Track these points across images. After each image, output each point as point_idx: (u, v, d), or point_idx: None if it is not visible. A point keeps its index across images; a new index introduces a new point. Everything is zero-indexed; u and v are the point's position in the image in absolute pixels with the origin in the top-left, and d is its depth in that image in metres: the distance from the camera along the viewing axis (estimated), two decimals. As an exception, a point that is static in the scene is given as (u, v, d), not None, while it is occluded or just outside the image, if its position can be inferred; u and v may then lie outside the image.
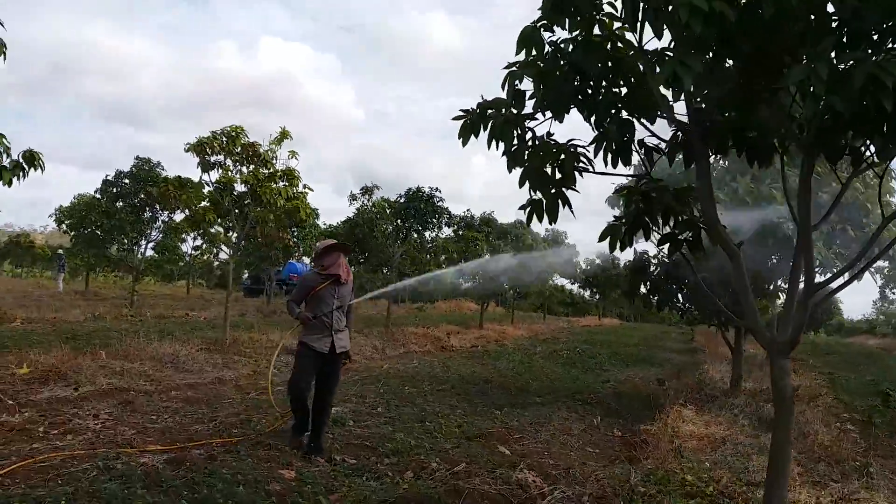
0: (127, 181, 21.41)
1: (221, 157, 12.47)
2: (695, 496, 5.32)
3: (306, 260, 44.30)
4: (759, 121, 3.90)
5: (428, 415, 8.61)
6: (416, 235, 21.01)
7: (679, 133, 4.22)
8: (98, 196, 22.26)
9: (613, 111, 4.05)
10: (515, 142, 3.94)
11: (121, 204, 21.45)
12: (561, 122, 4.02)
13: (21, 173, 7.36)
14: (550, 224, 4.18)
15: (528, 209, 4.18)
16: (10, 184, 7.34)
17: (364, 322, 23.54)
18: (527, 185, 4.09)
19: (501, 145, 3.95)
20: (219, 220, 12.67)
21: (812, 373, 15.98)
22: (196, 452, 6.03)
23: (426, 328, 21.91)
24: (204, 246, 37.60)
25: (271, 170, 12.57)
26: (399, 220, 19.85)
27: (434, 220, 20.26)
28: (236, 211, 12.90)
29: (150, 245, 24.13)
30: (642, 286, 11.04)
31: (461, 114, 4.09)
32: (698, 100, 3.93)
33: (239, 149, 12.39)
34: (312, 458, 6.16)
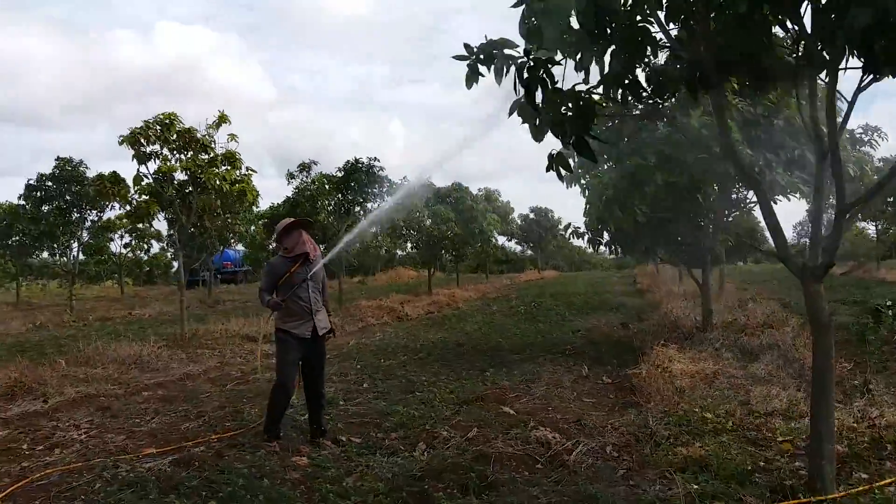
0: (50, 184, 20.32)
1: (157, 147, 11.90)
2: (720, 433, 5.33)
3: (240, 247, 43.35)
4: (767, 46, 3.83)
5: (415, 385, 8.48)
6: (358, 208, 20.67)
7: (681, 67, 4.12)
8: (22, 203, 21.07)
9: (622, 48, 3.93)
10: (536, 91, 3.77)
11: (47, 208, 20.37)
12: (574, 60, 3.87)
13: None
14: (593, 162, 4.03)
15: (552, 165, 4.04)
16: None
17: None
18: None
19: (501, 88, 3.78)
20: (161, 213, 12.04)
21: (770, 300, 16.44)
22: (199, 451, 5.74)
23: (377, 300, 21.75)
24: (133, 243, 36.32)
25: (211, 154, 12.06)
26: (340, 195, 19.46)
27: (375, 191, 19.96)
28: (178, 201, 12.35)
29: (79, 247, 23.02)
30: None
31: (464, 54, 3.90)
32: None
33: (175, 136, 11.85)
34: (320, 441, 5.95)
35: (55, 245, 21.06)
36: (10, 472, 5.51)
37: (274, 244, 6.00)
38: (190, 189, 12.26)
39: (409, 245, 30.79)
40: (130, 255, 38.95)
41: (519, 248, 63.10)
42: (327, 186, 19.03)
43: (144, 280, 51.51)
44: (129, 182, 12.14)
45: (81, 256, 27.18)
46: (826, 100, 3.70)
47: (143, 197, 12.45)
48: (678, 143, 8.41)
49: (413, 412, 6.87)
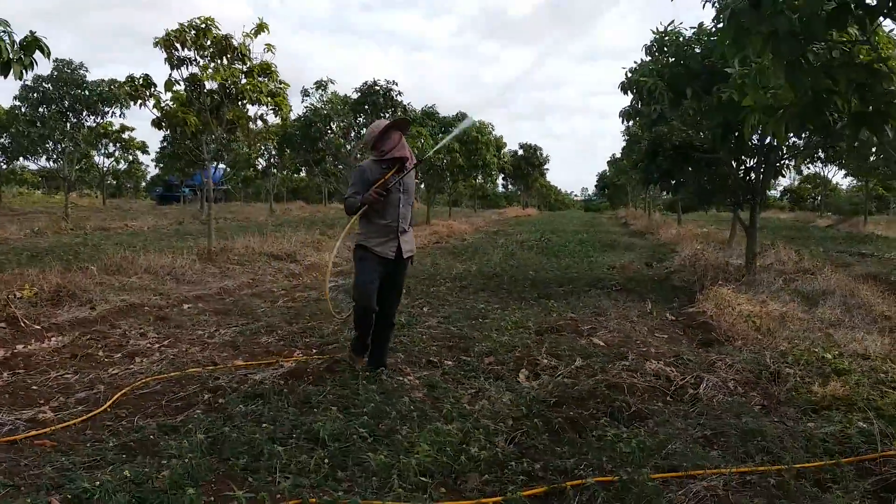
0: (48, 86, 19.39)
1: (191, 53, 11.31)
2: (847, 373, 5.24)
3: (222, 167, 42.30)
4: None
5: (476, 312, 8.33)
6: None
7: None
8: (18, 104, 20.13)
9: None
10: None
11: (44, 111, 19.50)
12: None
13: (32, 63, 6.41)
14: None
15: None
16: (20, 76, 6.38)
17: (316, 225, 22.90)
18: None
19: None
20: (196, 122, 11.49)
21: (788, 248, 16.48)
22: (300, 366, 5.53)
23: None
24: (118, 153, 35.31)
25: (249, 65, 11.51)
26: (354, 117, 18.95)
27: (390, 114, 19.44)
28: (210, 111, 11.79)
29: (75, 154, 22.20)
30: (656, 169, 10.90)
31: None
32: None
33: (210, 42, 11.25)
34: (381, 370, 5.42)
35: (53, 150, 20.24)
36: (102, 379, 5.27)
37: (365, 151, 5.60)
38: (221, 98, 11.71)
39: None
40: (113, 165, 37.90)
41: (504, 183, 62.94)
42: (343, 107, 18.45)
43: (111, 193, 50.43)
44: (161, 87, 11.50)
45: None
46: None
47: (172, 105, 11.88)
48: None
49: (496, 337, 6.72)
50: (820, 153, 13.45)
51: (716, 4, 8.38)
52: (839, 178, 46.86)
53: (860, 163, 24.77)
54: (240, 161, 37.02)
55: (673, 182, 11.07)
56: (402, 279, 5.58)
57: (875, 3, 3.90)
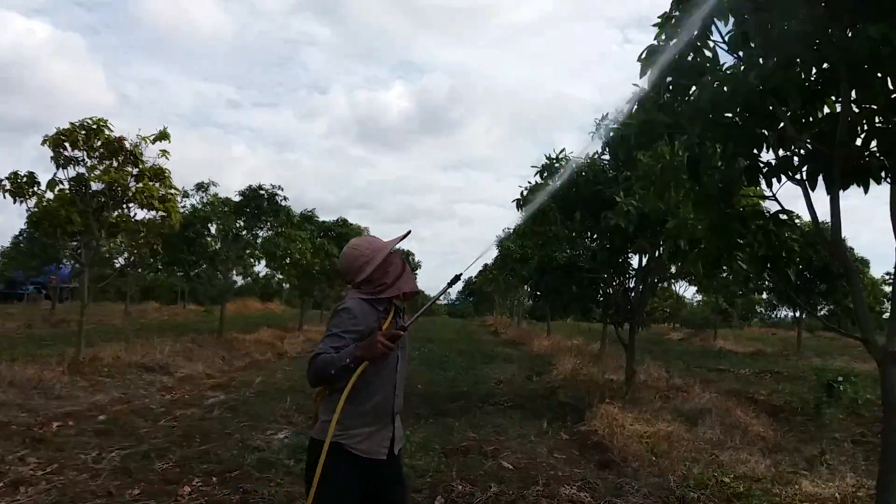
0: None
1: (80, 153, 10.89)
2: (741, 498, 5.50)
3: (70, 264, 39.80)
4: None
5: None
6: (245, 234, 19.85)
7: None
8: None
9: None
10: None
11: None
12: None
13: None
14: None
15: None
16: None
17: (179, 330, 21.88)
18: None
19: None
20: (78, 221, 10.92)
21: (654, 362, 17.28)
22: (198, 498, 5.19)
23: (252, 334, 20.86)
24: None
25: (140, 167, 11.18)
26: (238, 220, 18.65)
27: (272, 219, 19.28)
28: (93, 212, 11.25)
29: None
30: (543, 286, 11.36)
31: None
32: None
33: (100, 143, 10.90)
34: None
35: None
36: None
37: (349, 281, 3.25)
38: (106, 200, 11.24)
39: (278, 276, 29.72)
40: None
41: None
42: (225, 209, 18.12)
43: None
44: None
45: None
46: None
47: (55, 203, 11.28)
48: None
49: (405, 461, 6.59)
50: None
51: (602, 138, 9.02)
52: (688, 292, 50.42)
53: (711, 280, 26.72)
54: (100, 259, 35.09)
55: (559, 298, 11.53)
56: (405, 480, 3.55)
57: (775, 163, 4.44)
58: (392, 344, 2.98)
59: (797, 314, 30.69)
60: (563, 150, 10.44)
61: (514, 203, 10.45)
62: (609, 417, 8.95)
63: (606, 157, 9.89)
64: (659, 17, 4.31)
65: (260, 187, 18.34)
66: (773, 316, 54.47)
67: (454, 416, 9.39)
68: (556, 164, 10.42)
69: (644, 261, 11.20)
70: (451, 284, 3.34)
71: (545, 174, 10.48)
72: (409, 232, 3.44)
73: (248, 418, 8.91)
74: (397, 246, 3.33)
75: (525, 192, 10.37)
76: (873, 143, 4.32)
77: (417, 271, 57.75)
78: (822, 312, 26.01)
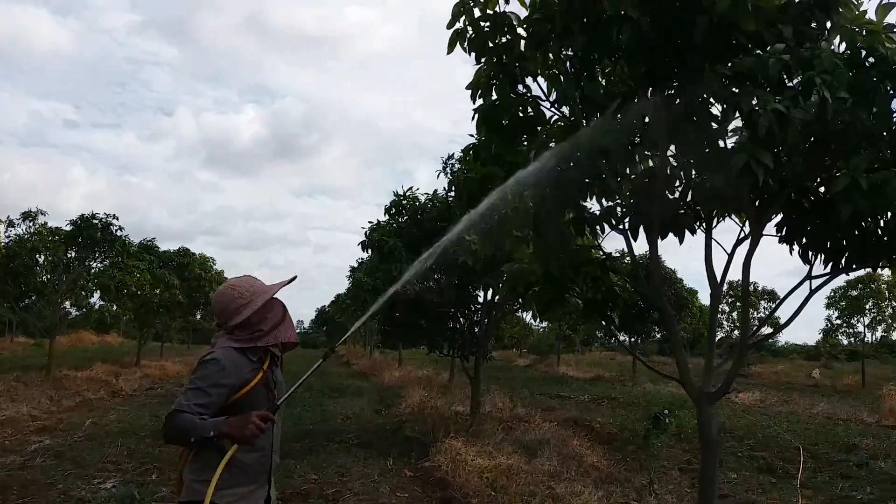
0: None
1: None
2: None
3: None
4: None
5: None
6: (77, 265, 18.61)
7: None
8: None
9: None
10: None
11: None
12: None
13: None
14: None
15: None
16: None
17: (3, 366, 20.12)
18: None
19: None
20: None
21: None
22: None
23: (84, 371, 19.46)
24: None
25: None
26: (69, 251, 17.44)
27: (105, 250, 18.19)
28: None
29: None
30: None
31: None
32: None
33: None
34: None
35: None
36: None
37: (222, 324, 2.97)
38: None
39: (115, 308, 28.06)
40: None
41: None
42: (55, 238, 16.88)
43: None
44: None
45: None
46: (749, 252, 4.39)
47: None
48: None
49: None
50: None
51: (448, 175, 9.22)
52: (535, 319, 52.17)
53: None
54: None
55: (408, 332, 11.56)
56: None
57: (599, 214, 4.69)
58: (265, 426, 2.69)
59: (633, 339, 32.53)
60: (409, 188, 10.56)
61: (360, 245, 10.44)
62: (453, 452, 9.01)
63: (452, 194, 10.09)
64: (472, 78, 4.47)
65: (93, 216, 17.28)
66: (612, 341, 57.67)
67: (296, 457, 9.13)
68: (404, 202, 10.50)
69: (489, 296, 11.49)
70: (324, 359, 3.09)
71: (392, 211, 10.53)
72: (294, 277, 3.21)
73: (74, 466, 8.31)
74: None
75: (369, 232, 10.38)
76: (689, 196, 4.67)
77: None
78: (656, 337, 27.54)
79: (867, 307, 27.19)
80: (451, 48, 4.38)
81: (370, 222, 10.79)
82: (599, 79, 4.35)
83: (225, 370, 2.79)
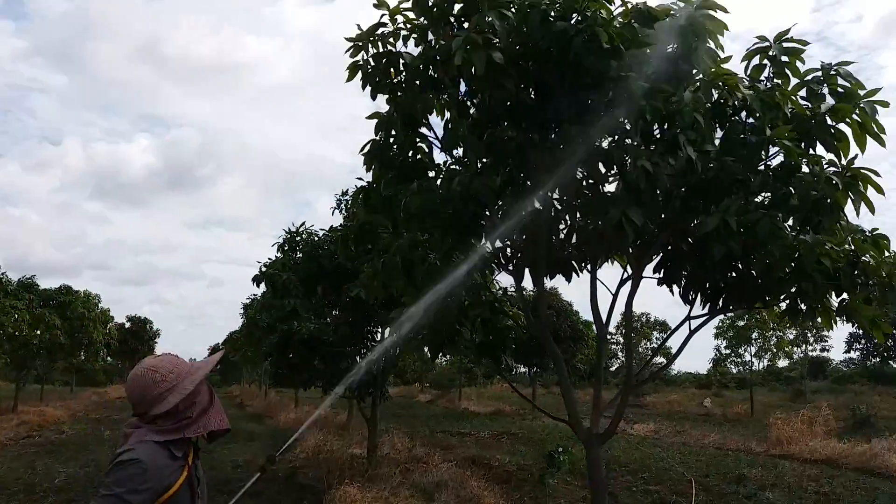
0: None
1: None
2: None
3: None
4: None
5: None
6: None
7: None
8: None
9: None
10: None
11: None
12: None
13: None
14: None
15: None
16: None
17: None
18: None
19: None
20: None
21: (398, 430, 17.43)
22: None
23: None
24: None
25: None
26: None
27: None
28: None
29: None
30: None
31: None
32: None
33: None
34: None
35: None
36: None
37: (141, 413, 2.44)
38: None
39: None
40: None
41: (109, 360, 57.59)
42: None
43: None
44: None
45: None
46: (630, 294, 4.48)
47: None
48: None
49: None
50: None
51: (343, 211, 9.13)
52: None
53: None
54: None
55: (302, 374, 11.26)
56: None
57: (495, 262, 4.72)
58: None
59: (533, 371, 32.86)
60: (302, 223, 10.38)
61: (253, 280, 10.15)
62: (348, 499, 8.78)
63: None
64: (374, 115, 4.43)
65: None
66: (513, 373, 58.34)
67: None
68: (297, 238, 10.29)
69: (386, 334, 11.33)
70: (263, 472, 2.88)
71: (286, 248, 10.30)
72: (224, 351, 3.03)
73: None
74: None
75: (264, 268, 10.10)
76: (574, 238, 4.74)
77: (157, 339, 53.90)
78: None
79: (753, 337, 28.51)
80: (350, 77, 4.37)
81: (268, 259, 10.56)
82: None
83: (146, 473, 2.34)
